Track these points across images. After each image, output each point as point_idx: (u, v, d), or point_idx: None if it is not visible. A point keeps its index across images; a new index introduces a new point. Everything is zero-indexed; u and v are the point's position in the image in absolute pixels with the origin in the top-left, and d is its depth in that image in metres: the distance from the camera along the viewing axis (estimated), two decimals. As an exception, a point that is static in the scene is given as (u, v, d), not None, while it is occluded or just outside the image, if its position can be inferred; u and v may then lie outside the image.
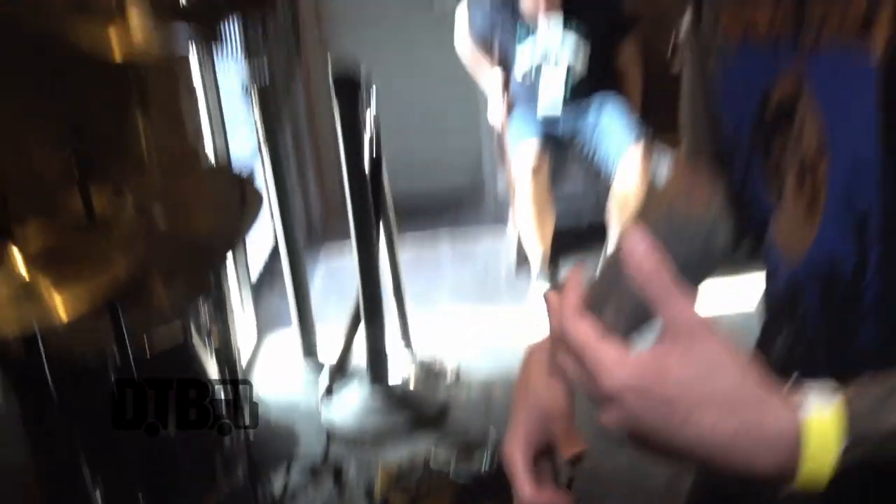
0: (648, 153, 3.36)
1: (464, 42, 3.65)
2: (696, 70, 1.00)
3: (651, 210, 1.12)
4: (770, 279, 0.91)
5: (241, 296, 3.46)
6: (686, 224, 1.03)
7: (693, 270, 1.00)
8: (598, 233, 3.67)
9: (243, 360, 3.23)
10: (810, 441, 0.61)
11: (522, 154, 3.42)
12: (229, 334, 2.30)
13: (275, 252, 3.55)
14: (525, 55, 3.48)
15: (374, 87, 2.80)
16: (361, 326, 3.01)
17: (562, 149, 3.62)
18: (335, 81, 2.67)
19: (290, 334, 3.42)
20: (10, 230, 1.49)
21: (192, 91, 2.56)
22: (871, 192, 0.72)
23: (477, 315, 3.65)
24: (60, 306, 1.41)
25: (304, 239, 4.37)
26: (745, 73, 0.86)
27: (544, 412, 0.92)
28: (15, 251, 1.46)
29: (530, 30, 3.47)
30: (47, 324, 1.43)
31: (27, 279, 1.45)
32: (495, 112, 3.66)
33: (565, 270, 3.78)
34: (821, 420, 0.62)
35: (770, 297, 0.92)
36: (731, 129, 0.90)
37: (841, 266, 0.77)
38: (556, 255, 3.70)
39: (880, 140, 0.70)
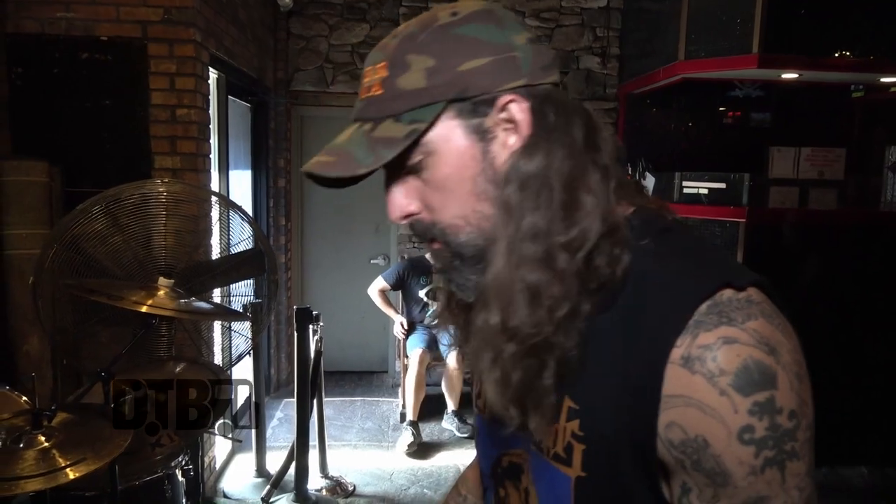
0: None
1: (374, 291, 4.01)
2: None
3: (451, 495, 0.99)
4: None
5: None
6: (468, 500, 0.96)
7: None
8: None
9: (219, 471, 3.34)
10: None
11: (415, 356, 3.86)
12: (201, 465, 2.23)
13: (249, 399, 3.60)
14: (423, 295, 4.02)
15: (321, 314, 3.15)
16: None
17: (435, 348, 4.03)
18: (296, 313, 3.05)
19: (250, 457, 3.49)
20: (41, 425, 1.49)
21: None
22: None
23: (369, 452, 3.73)
24: (70, 472, 1.40)
25: (272, 390, 4.61)
26: (490, 441, 0.78)
27: None
28: (41, 437, 1.48)
29: (429, 280, 4.00)
30: (58, 483, 1.39)
31: (48, 452, 1.43)
32: (398, 331, 4.06)
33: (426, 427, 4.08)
34: None
35: None
36: (482, 473, 0.84)
37: None
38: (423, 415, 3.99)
39: None
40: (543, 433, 0.65)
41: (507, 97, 0.62)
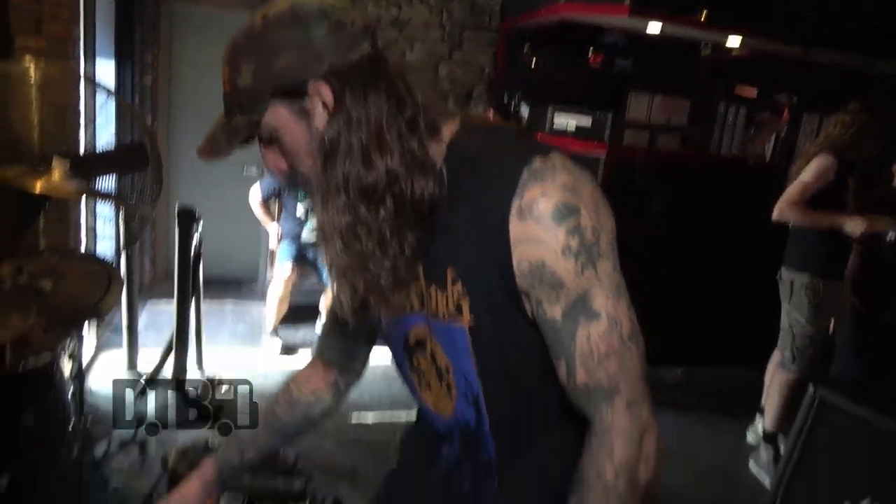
0: None
1: (254, 199, 3.91)
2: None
3: (283, 392, 1.14)
4: (431, 423, 1.02)
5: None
6: (295, 401, 1.12)
7: (296, 426, 1.13)
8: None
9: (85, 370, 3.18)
10: None
11: (281, 269, 3.86)
12: (81, 357, 2.21)
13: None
14: (300, 208, 3.93)
15: (202, 217, 3.08)
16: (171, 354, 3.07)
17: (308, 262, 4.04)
18: (179, 213, 2.93)
19: (120, 353, 3.42)
20: None
21: (78, 204, 2.53)
22: (475, 385, 0.88)
23: (244, 351, 3.82)
24: None
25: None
26: (395, 327, 0.95)
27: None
28: None
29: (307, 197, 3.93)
30: None
31: None
32: (273, 243, 3.99)
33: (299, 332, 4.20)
34: None
35: (437, 431, 1.01)
36: (393, 352, 1.00)
37: (468, 419, 0.93)
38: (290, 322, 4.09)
39: (474, 366, 0.87)
40: (397, 313, 0.88)
41: (314, 84, 0.78)
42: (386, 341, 1.00)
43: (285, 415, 1.12)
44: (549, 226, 0.74)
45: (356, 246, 0.80)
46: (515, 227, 0.75)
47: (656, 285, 3.78)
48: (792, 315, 2.83)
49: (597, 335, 0.77)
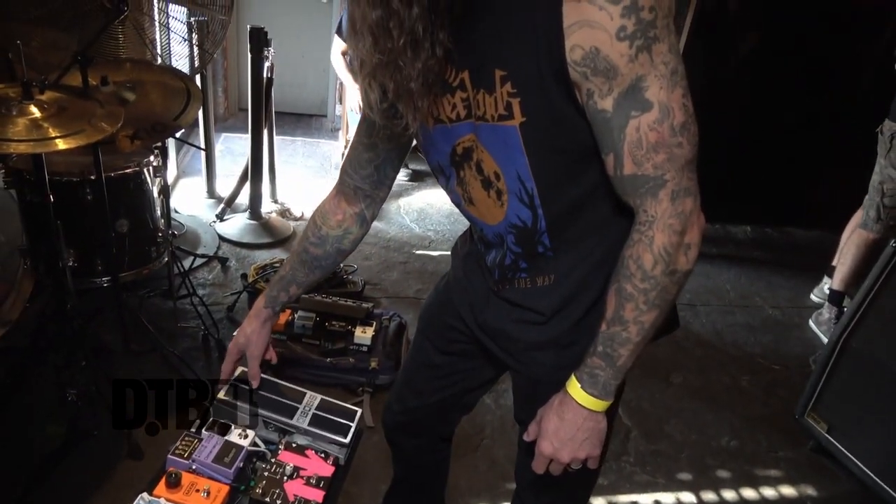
0: None
1: (335, 51, 3.36)
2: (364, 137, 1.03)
3: (311, 227, 1.13)
4: (479, 232, 1.02)
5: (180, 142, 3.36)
6: (324, 235, 1.12)
7: (331, 259, 1.14)
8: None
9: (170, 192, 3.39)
10: (597, 414, 0.87)
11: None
12: (165, 173, 2.21)
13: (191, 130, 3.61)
14: None
15: (272, 41, 2.98)
16: (247, 182, 3.19)
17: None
18: (250, 31, 2.87)
19: (199, 180, 3.54)
20: (32, 96, 1.49)
21: (152, 22, 2.38)
22: (530, 183, 0.86)
23: (315, 183, 3.89)
24: (60, 142, 1.42)
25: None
26: (441, 141, 0.92)
27: (246, 341, 1.13)
28: (33, 107, 1.49)
29: None
30: (49, 150, 1.45)
31: (40, 124, 1.45)
32: (355, 107, 3.61)
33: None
34: (594, 403, 0.87)
35: (484, 238, 1.01)
36: (436, 164, 0.98)
37: (523, 220, 0.91)
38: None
39: (528, 163, 0.84)
40: (424, 117, 0.86)
41: None
42: (431, 156, 0.97)
43: (317, 250, 1.12)
44: (605, 5, 0.69)
45: (387, 42, 0.75)
46: (570, 10, 0.70)
47: (733, 142, 3.58)
48: (886, 171, 2.64)
49: (647, 125, 0.74)
